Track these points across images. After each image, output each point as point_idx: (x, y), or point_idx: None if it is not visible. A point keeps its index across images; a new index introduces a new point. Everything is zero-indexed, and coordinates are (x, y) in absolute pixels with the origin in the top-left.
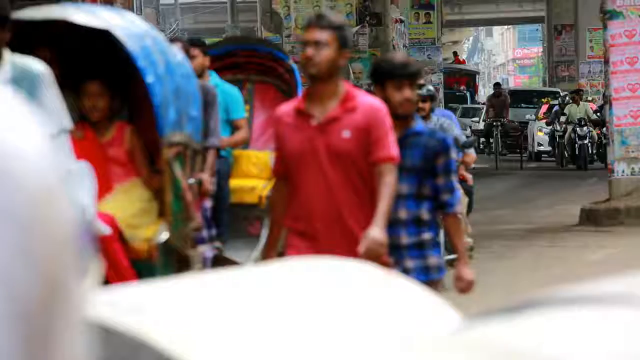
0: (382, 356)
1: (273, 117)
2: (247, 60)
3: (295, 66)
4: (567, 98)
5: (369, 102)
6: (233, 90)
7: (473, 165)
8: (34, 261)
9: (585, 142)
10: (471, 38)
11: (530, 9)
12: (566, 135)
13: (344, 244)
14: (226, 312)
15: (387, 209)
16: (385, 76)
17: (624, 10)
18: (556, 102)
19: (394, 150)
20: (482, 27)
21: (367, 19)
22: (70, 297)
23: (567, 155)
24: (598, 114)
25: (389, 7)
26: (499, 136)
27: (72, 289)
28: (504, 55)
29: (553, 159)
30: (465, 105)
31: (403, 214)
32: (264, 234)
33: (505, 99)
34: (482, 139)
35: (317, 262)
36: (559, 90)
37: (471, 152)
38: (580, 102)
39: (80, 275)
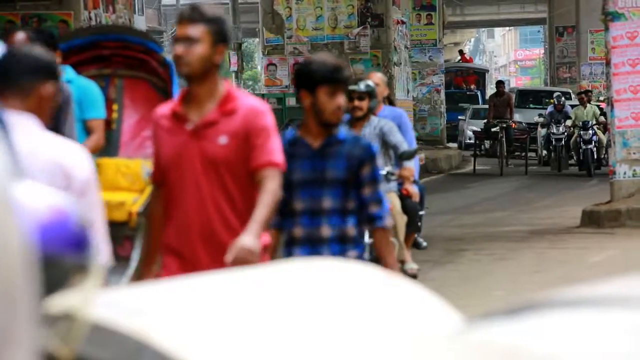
0: (383, 357)
1: (151, 119)
2: (115, 52)
3: (170, 60)
4: (562, 99)
5: (250, 104)
6: (90, 86)
7: (479, 167)
8: None
9: (590, 146)
10: (473, 39)
11: (532, 11)
12: (572, 139)
13: (220, 263)
14: (227, 313)
15: (264, 217)
16: (317, 81)
17: (626, 12)
18: (569, 102)
19: (277, 155)
20: (483, 29)
21: (369, 20)
22: (23, 301)
23: (574, 160)
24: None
25: (390, 8)
26: (503, 139)
27: (25, 293)
28: (506, 56)
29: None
30: (476, 106)
31: (326, 231)
32: (135, 256)
33: (509, 98)
34: (486, 142)
35: (318, 262)
36: (570, 91)
37: (409, 164)
38: (588, 104)
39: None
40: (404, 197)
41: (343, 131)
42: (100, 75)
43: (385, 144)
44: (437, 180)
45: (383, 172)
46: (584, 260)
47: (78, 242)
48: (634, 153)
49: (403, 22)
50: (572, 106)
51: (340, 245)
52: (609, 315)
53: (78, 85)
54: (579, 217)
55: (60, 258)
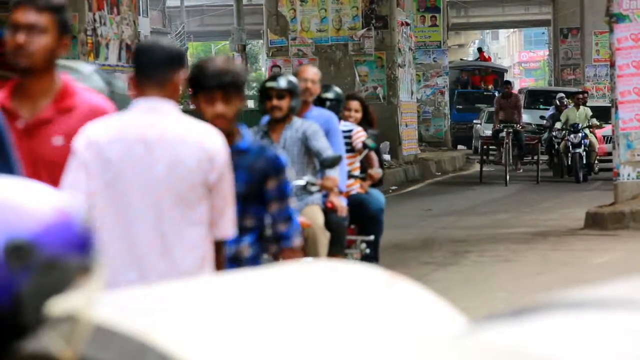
0: (387, 359)
1: None
2: None
3: None
4: (564, 100)
5: (90, 102)
6: None
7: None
8: None
9: (579, 150)
10: (477, 41)
11: (536, 12)
12: (562, 144)
13: None
14: (232, 315)
15: None
16: (196, 87)
17: (630, 14)
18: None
19: None
20: (488, 30)
21: (373, 22)
22: None
23: (566, 165)
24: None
25: (395, 10)
26: (509, 145)
27: None
28: (510, 58)
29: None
30: (492, 109)
31: None
32: None
33: (517, 100)
34: (493, 148)
35: (320, 264)
36: (582, 91)
37: (333, 173)
38: (581, 106)
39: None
40: (329, 211)
41: (247, 140)
42: None
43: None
44: (441, 182)
45: (302, 182)
46: (587, 262)
47: (82, 244)
48: (638, 155)
49: (407, 24)
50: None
51: (232, 266)
52: (612, 317)
53: None
54: (582, 219)
55: (64, 259)
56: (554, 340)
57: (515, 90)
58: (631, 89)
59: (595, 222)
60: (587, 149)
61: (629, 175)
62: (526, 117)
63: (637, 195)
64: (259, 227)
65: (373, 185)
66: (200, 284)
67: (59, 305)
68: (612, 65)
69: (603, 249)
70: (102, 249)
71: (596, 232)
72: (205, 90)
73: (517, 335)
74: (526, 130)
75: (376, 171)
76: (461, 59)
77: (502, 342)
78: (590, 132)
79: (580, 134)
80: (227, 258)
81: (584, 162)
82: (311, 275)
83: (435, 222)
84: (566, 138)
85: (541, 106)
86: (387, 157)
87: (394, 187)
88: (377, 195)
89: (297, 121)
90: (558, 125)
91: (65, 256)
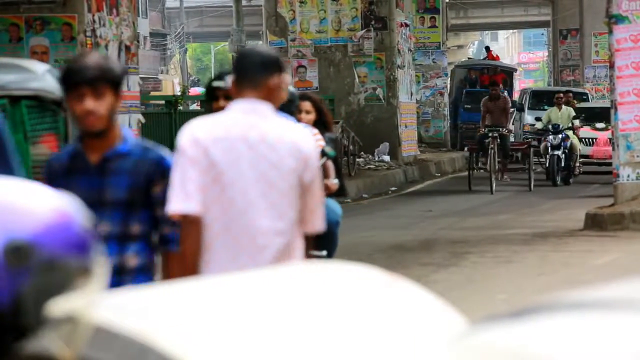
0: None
1: None
2: None
3: None
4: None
5: None
6: None
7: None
8: None
9: (557, 152)
10: (476, 42)
11: (535, 14)
12: (542, 145)
13: None
14: (231, 316)
15: None
16: (64, 84)
17: (630, 15)
18: (585, 104)
19: None
20: (487, 32)
21: (373, 23)
22: None
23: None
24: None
25: (394, 11)
26: (494, 151)
27: None
28: (509, 59)
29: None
30: None
31: None
32: None
33: (505, 103)
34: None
35: (321, 265)
36: (586, 91)
37: None
38: (564, 106)
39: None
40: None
41: (129, 142)
42: None
43: None
44: (440, 182)
45: None
46: (587, 263)
47: (81, 245)
48: (638, 156)
49: (406, 25)
50: (581, 109)
51: (116, 277)
52: (612, 318)
53: None
54: (582, 220)
55: (63, 260)
56: (554, 341)
57: (517, 91)
58: (630, 90)
59: (595, 223)
60: (566, 151)
61: (628, 176)
62: (529, 118)
63: (636, 197)
64: (147, 235)
65: (330, 196)
66: (200, 285)
67: (58, 305)
68: (612, 66)
69: (603, 250)
70: (207, 243)
71: (596, 233)
72: (73, 87)
73: (517, 336)
74: (531, 131)
75: (332, 182)
76: (469, 58)
77: (503, 343)
78: (574, 134)
79: (560, 136)
80: (110, 269)
81: (562, 164)
82: (311, 276)
83: (435, 223)
84: (546, 139)
85: (545, 107)
86: (386, 158)
87: (393, 188)
88: (333, 206)
89: None
90: (539, 125)
91: (65, 257)
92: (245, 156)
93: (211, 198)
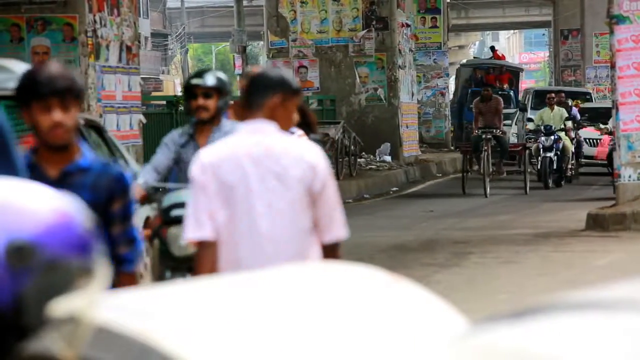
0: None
1: None
2: None
3: None
4: (554, 100)
5: None
6: None
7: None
8: None
9: (549, 154)
10: (477, 42)
11: (536, 14)
12: (534, 146)
13: None
14: (232, 316)
15: None
16: (29, 95)
17: (631, 15)
18: (589, 104)
19: None
20: (488, 32)
21: (374, 23)
22: None
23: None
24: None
25: (395, 11)
26: (488, 153)
27: None
28: (510, 59)
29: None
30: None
31: None
32: None
33: (498, 104)
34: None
35: (322, 266)
36: (590, 91)
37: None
38: (556, 107)
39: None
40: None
41: (88, 157)
42: None
43: None
44: (441, 183)
45: None
46: (589, 264)
47: (83, 245)
48: (639, 156)
49: (408, 25)
50: (585, 109)
51: None
52: (613, 318)
53: None
54: (584, 220)
55: (65, 261)
56: (555, 342)
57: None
58: (632, 90)
59: (597, 223)
60: (558, 152)
61: (629, 176)
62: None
63: (638, 197)
64: (109, 252)
65: None
66: (201, 286)
67: (60, 306)
68: (613, 66)
69: (604, 250)
70: (226, 257)
71: (597, 233)
72: (39, 98)
73: (518, 337)
74: (532, 132)
75: None
76: (474, 57)
77: (504, 344)
78: (567, 135)
79: (552, 137)
80: None
81: (555, 167)
82: (311, 277)
83: (436, 224)
84: (538, 141)
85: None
86: (387, 158)
87: (394, 189)
88: None
89: (226, 123)
90: (531, 126)
91: (66, 257)
92: (251, 171)
93: (225, 216)
